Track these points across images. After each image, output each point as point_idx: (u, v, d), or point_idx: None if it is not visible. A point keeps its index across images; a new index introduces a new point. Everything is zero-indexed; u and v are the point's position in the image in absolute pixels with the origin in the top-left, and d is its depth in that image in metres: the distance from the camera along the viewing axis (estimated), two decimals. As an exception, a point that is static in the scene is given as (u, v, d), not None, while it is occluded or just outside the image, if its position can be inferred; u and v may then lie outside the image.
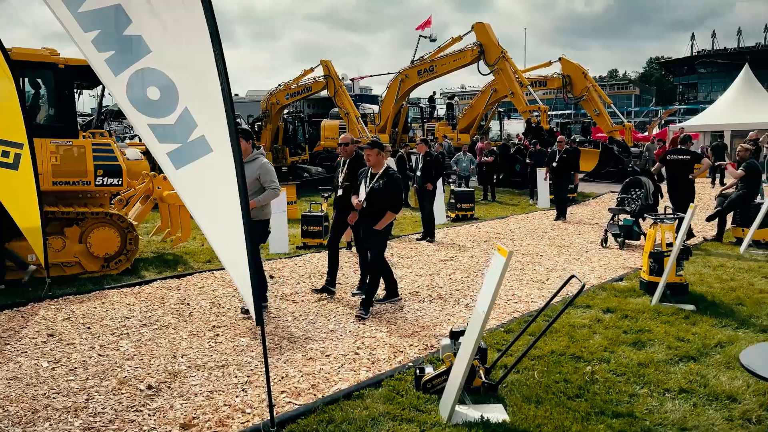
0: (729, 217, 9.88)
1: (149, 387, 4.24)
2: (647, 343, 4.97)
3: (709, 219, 10.01)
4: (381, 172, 5.94)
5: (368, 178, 6.01)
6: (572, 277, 4.17)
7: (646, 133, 31.09)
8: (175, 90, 3.63)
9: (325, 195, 10.09)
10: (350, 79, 42.72)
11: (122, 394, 4.15)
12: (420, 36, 27.52)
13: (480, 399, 3.97)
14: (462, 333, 4.07)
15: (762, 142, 18.20)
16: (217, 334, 5.43)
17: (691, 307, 5.95)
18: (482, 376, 4.09)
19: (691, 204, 6.22)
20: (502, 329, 5.41)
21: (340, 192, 6.69)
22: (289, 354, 4.90)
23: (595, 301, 6.25)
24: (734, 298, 6.29)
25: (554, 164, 12.41)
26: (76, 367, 4.63)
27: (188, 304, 6.48)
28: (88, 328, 5.61)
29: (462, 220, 12.67)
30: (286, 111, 22.42)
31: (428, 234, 10.29)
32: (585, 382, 4.19)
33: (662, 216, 6.81)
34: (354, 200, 6.09)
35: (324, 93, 21.13)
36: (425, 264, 8.41)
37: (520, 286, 7.12)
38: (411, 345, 5.08)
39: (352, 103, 19.86)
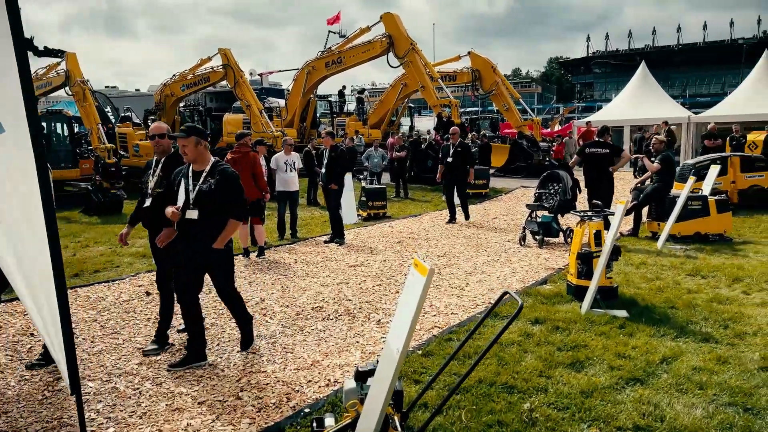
0: (644, 211, 9.68)
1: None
2: (586, 363, 4.29)
3: (626, 214, 9.75)
4: (208, 168, 4.42)
5: (190, 179, 4.43)
6: (506, 293, 3.36)
7: (549, 129, 31.81)
8: None
9: None
10: (258, 75, 40.89)
11: None
12: (329, 31, 26.45)
13: (395, 458, 3.06)
14: (371, 373, 3.14)
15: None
16: (58, 378, 4.19)
17: (623, 313, 5.40)
18: (397, 426, 3.18)
19: (621, 200, 5.67)
20: (420, 352, 4.56)
21: (148, 202, 4.77)
22: (149, 404, 3.77)
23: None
24: (665, 301, 5.81)
25: (449, 159, 10.76)
26: None
27: (31, 335, 5.14)
28: None
29: (374, 219, 11.81)
30: (182, 104, 20.65)
31: (337, 235, 9.35)
32: (523, 423, 3.39)
33: (590, 213, 6.25)
34: (168, 210, 4.39)
35: (225, 85, 19.56)
36: (333, 271, 7.45)
37: (437, 294, 6.33)
38: (310, 381, 4.10)
39: (255, 95, 18.47)
